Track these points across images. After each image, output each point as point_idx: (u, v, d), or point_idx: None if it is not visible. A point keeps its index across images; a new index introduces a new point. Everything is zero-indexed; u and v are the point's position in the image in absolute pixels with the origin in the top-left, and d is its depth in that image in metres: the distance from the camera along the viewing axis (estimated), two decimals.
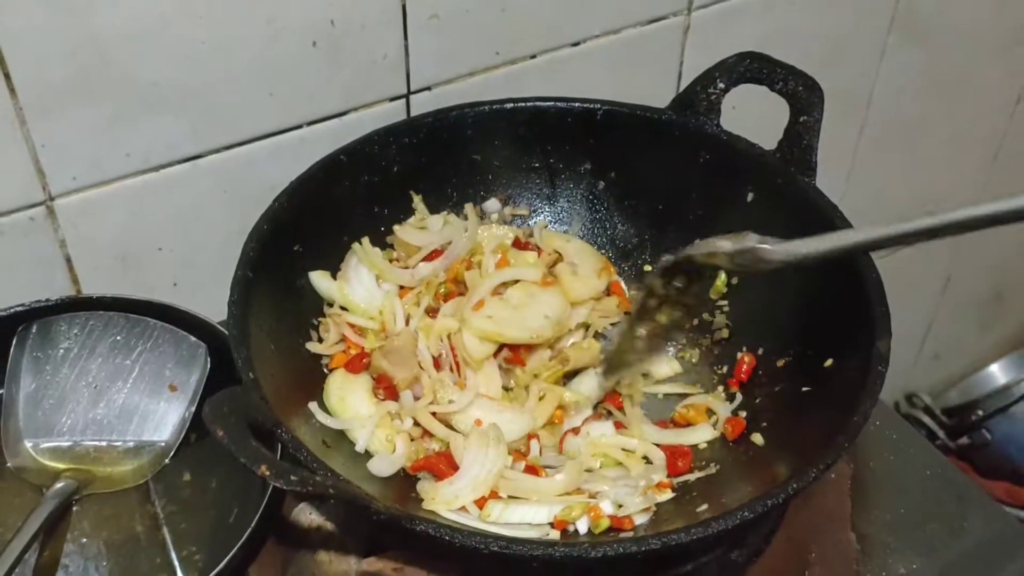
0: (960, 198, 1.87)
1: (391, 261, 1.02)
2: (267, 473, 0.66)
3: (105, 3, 0.90)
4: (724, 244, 0.81)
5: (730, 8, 1.29)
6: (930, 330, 2.14)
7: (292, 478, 0.66)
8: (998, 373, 2.14)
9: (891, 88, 1.55)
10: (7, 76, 0.90)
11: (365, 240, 1.00)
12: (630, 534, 0.82)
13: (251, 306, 0.85)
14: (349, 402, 0.91)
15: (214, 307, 0.96)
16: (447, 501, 0.83)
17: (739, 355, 0.97)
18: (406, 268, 1.01)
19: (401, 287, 1.00)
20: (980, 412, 2.01)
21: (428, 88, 1.12)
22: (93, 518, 0.91)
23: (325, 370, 0.95)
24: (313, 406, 0.89)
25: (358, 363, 0.93)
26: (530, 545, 0.71)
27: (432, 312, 0.97)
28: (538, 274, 0.97)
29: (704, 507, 0.82)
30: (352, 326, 0.95)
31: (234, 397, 0.73)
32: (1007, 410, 1.96)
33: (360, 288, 0.97)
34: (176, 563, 0.87)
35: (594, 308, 1.00)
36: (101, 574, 0.87)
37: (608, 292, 1.04)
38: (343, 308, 0.97)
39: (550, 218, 1.08)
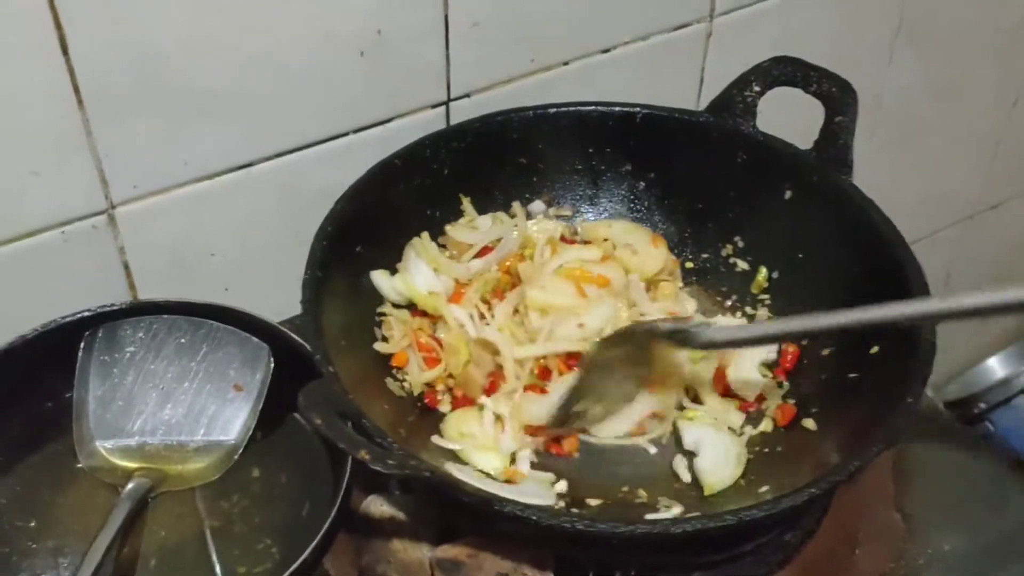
0: (960, 198, 1.93)
1: None
2: (367, 457, 0.69)
3: (168, 16, 0.93)
4: (664, 326, 0.90)
5: (750, 14, 1.33)
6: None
7: (390, 462, 0.70)
8: (997, 366, 2.19)
9: (899, 90, 1.60)
10: (76, 88, 0.93)
11: (424, 234, 1.04)
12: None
13: (322, 304, 0.89)
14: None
15: (264, 311, 0.99)
16: None
17: (782, 345, 1.01)
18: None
19: (455, 290, 1.03)
20: (982, 405, 2.05)
21: (467, 95, 1.16)
22: (168, 515, 0.93)
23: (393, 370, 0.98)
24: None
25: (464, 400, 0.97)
26: (611, 524, 0.75)
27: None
28: (598, 254, 1.01)
29: (766, 488, 0.86)
30: (420, 330, 0.99)
31: (325, 388, 0.76)
32: (1009, 402, 2.01)
33: (420, 278, 1.01)
34: (254, 555, 0.90)
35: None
36: (180, 568, 0.89)
37: None
38: (400, 306, 1.01)
39: (592, 218, 1.12)
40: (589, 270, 1.01)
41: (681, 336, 0.89)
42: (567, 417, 0.93)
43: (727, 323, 1.03)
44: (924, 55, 1.59)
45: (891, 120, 1.64)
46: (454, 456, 0.91)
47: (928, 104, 1.68)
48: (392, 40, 1.07)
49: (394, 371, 0.98)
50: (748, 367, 0.98)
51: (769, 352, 0.99)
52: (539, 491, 0.88)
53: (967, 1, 1.57)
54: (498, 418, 0.93)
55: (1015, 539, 0.94)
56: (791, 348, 1.00)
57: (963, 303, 0.75)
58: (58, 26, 0.89)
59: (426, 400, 0.96)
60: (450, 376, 0.96)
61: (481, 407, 0.94)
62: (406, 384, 0.97)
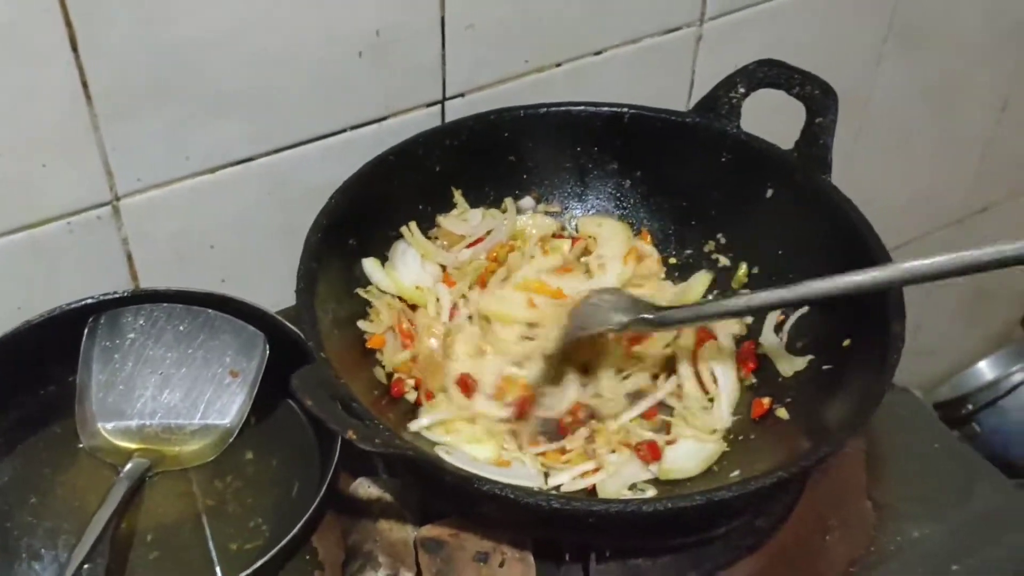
0: (949, 201, 1.96)
1: None
2: (355, 436, 0.73)
3: (174, 16, 0.97)
4: (617, 318, 0.94)
5: (739, 19, 1.37)
6: (920, 327, 2.23)
7: (377, 441, 0.73)
8: (986, 369, 2.22)
9: (887, 93, 1.63)
10: (85, 85, 0.96)
11: (413, 224, 1.08)
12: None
13: (316, 294, 0.92)
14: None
15: (261, 300, 1.03)
16: None
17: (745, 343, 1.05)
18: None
19: (444, 277, 1.07)
20: (970, 406, 2.09)
21: (462, 94, 1.19)
22: (165, 494, 0.97)
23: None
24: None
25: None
26: (584, 502, 0.78)
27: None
28: (559, 262, 1.06)
29: (736, 473, 0.90)
30: (402, 313, 1.02)
31: (318, 372, 0.79)
32: (995, 403, 2.05)
33: (407, 272, 1.05)
34: (246, 533, 0.94)
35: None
36: (175, 544, 0.93)
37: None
38: (396, 297, 1.05)
39: (580, 215, 1.15)
40: (547, 282, 1.06)
41: (639, 325, 0.94)
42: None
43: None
44: (913, 58, 1.63)
45: (880, 123, 1.67)
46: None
47: (917, 107, 1.72)
48: (390, 41, 1.11)
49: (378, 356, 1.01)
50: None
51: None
52: (527, 474, 0.92)
53: (957, 5, 1.60)
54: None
55: (982, 526, 0.97)
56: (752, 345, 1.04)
57: (918, 268, 0.81)
58: (68, 24, 0.92)
59: (392, 390, 0.99)
60: (414, 360, 1.00)
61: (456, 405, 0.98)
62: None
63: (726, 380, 1.02)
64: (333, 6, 1.05)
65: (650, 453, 0.95)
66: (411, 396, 0.99)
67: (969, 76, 1.75)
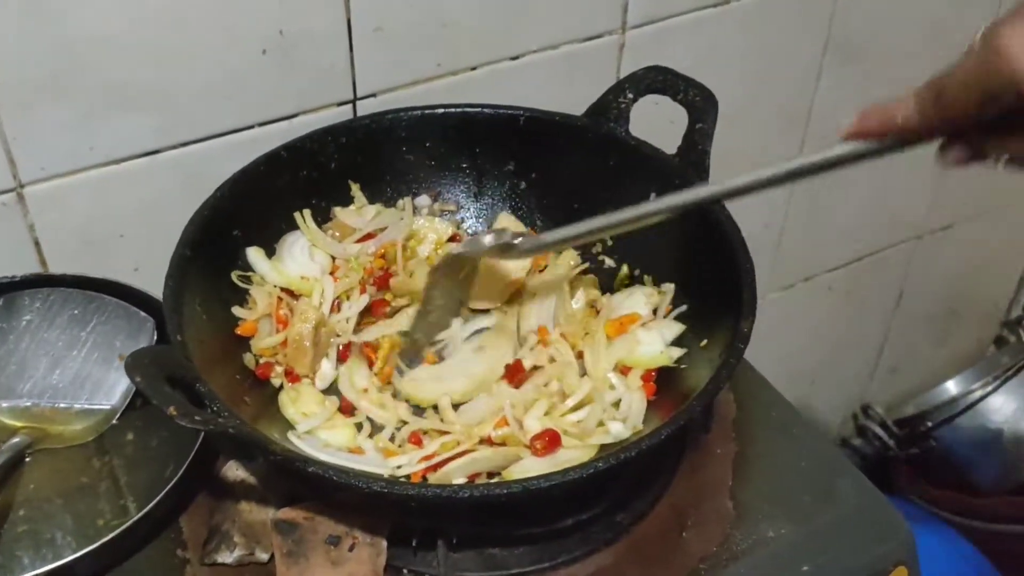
0: (907, 218, 1.96)
1: None
2: (175, 413, 0.76)
3: (76, 9, 1.01)
4: (487, 239, 0.98)
5: (664, 28, 1.39)
6: (886, 344, 2.22)
7: (196, 418, 0.76)
8: (951, 388, 2.21)
9: (829, 106, 1.64)
10: None
11: (307, 212, 1.11)
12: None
13: (187, 280, 0.96)
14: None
15: None
16: None
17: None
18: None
19: (332, 270, 1.10)
20: (929, 423, 2.08)
21: (374, 95, 1.22)
22: (46, 470, 1.01)
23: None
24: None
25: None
26: (395, 485, 0.81)
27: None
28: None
29: None
30: (281, 300, 1.05)
31: (158, 353, 0.83)
32: (953, 420, 2.04)
33: (293, 264, 1.08)
34: (116, 510, 0.97)
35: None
36: (50, 518, 0.97)
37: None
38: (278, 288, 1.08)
39: (475, 214, 1.18)
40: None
41: (505, 247, 0.97)
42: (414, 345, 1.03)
43: None
44: (857, 73, 1.64)
45: (822, 136, 1.68)
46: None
47: None
48: (295, 40, 1.14)
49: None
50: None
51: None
52: (377, 461, 0.94)
53: (896, 19, 1.61)
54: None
55: (840, 529, 0.98)
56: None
57: (737, 183, 0.84)
58: None
59: (258, 372, 1.02)
60: (284, 344, 1.02)
61: (312, 384, 1.01)
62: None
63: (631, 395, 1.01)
64: (233, 5, 1.08)
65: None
66: (276, 381, 1.01)
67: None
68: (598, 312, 1.08)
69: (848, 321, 2.09)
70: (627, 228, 0.94)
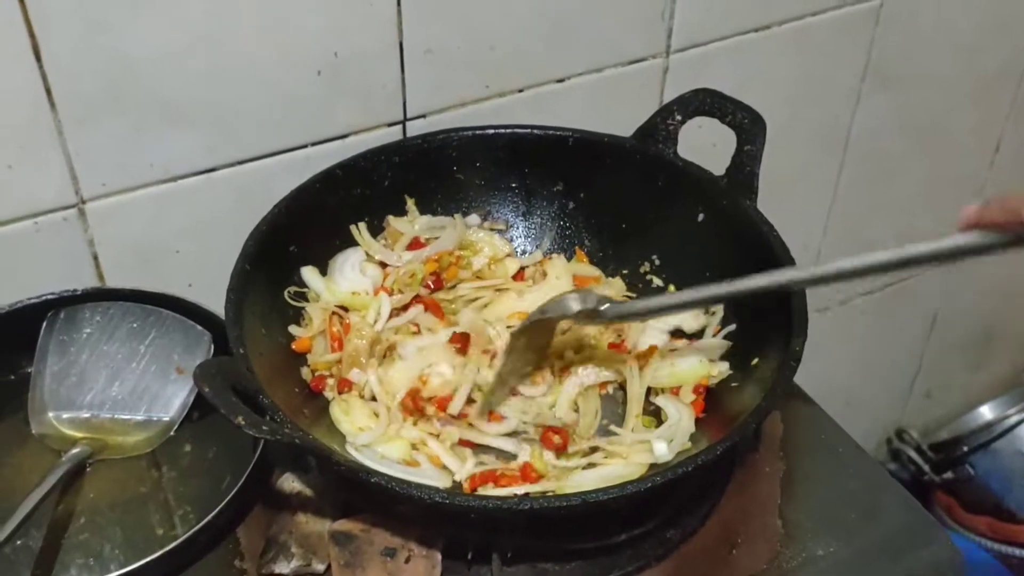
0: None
1: None
2: (242, 423, 0.78)
3: (137, 28, 1.03)
4: (573, 303, 0.96)
5: (706, 52, 1.41)
6: (920, 368, 2.22)
7: (264, 428, 0.78)
8: (987, 413, 2.21)
9: (867, 130, 1.66)
10: (48, 91, 1.03)
11: (362, 224, 1.14)
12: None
13: (247, 294, 0.98)
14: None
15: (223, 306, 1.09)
16: None
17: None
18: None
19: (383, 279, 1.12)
20: (965, 448, 2.08)
21: (423, 116, 1.25)
22: (105, 481, 1.03)
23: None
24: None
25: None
26: (473, 498, 0.82)
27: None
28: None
29: None
30: (334, 316, 1.07)
31: (223, 364, 0.85)
32: (989, 446, 2.04)
33: (344, 281, 1.10)
34: (174, 520, 0.99)
35: None
36: (109, 527, 0.99)
37: None
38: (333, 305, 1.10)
39: (524, 232, 1.20)
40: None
41: (591, 313, 0.96)
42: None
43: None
44: (894, 98, 1.65)
45: (860, 160, 1.69)
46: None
47: (901, 145, 1.73)
48: (348, 62, 1.17)
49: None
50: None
51: None
52: (434, 474, 0.95)
53: (935, 46, 1.63)
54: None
55: (886, 547, 0.99)
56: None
57: (827, 270, 0.82)
58: (31, 35, 1.00)
59: (312, 385, 1.04)
60: (340, 362, 1.04)
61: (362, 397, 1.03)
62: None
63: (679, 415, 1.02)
64: (290, 27, 1.11)
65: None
66: (329, 394, 1.03)
67: (956, 116, 1.77)
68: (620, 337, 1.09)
69: (883, 344, 2.09)
70: (717, 303, 0.99)
